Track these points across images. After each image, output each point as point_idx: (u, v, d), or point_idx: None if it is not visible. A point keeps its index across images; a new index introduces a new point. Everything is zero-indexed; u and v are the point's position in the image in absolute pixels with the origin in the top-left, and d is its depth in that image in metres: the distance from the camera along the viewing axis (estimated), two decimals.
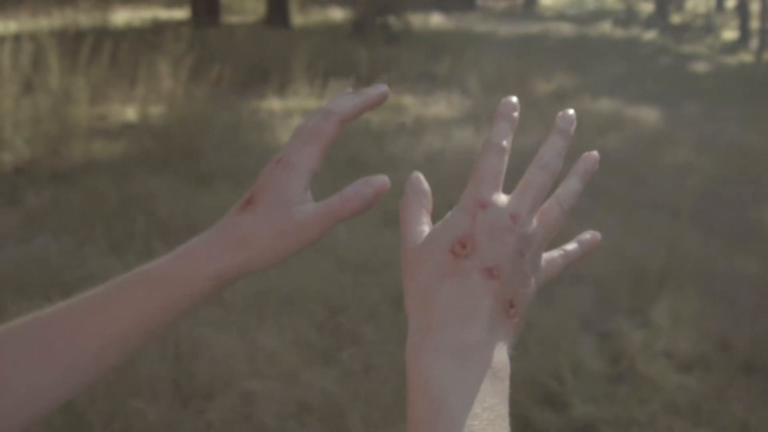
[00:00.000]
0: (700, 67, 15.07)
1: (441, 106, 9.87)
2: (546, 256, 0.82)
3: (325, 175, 5.25)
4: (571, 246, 0.88)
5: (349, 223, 5.52)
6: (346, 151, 7.45)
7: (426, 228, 0.83)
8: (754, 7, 24.76)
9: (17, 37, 10.17)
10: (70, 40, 10.26)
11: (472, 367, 0.69)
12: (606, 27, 23.43)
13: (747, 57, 17.77)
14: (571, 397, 3.82)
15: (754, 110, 10.82)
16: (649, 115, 10.13)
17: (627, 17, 26.26)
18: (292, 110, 9.15)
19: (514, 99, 0.90)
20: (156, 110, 8.45)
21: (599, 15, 28.41)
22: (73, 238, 5.35)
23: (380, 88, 0.91)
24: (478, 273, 0.73)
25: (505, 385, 0.70)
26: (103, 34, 11.68)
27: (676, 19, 28.29)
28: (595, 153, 0.88)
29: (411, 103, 9.88)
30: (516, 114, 0.88)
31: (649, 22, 25.31)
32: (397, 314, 4.45)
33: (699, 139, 8.86)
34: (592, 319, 4.61)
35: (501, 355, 0.72)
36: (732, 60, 16.86)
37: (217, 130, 8.00)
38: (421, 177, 0.90)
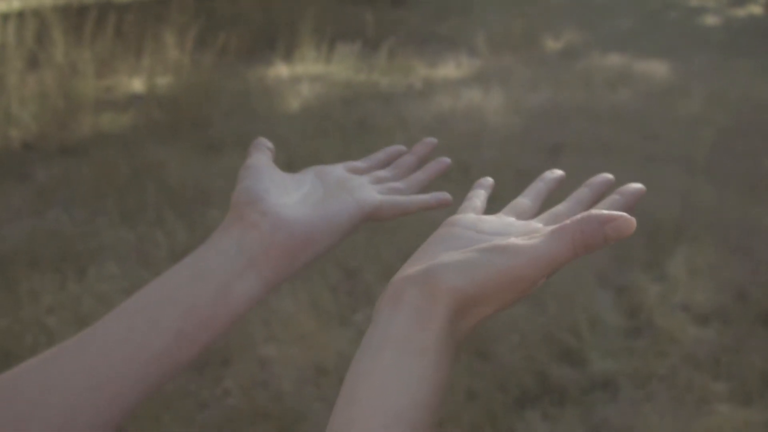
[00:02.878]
0: (710, 20, 14.95)
1: (449, 67, 9.81)
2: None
3: (336, 138, 5.24)
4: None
5: None
6: (355, 115, 7.43)
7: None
8: None
9: (21, 14, 10.16)
10: (75, 15, 10.24)
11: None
12: None
13: (756, 9, 17.63)
14: (589, 352, 3.80)
15: (765, 62, 10.74)
16: (659, 69, 10.05)
17: None
18: (299, 76, 9.10)
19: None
20: (163, 81, 8.42)
21: None
22: (85, 210, 5.34)
23: None
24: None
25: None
26: (107, 7, 11.65)
27: None
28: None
29: (419, 65, 9.82)
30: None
31: None
32: None
33: (710, 92, 8.80)
34: (608, 273, 4.59)
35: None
36: (741, 12, 16.73)
37: (225, 97, 7.98)
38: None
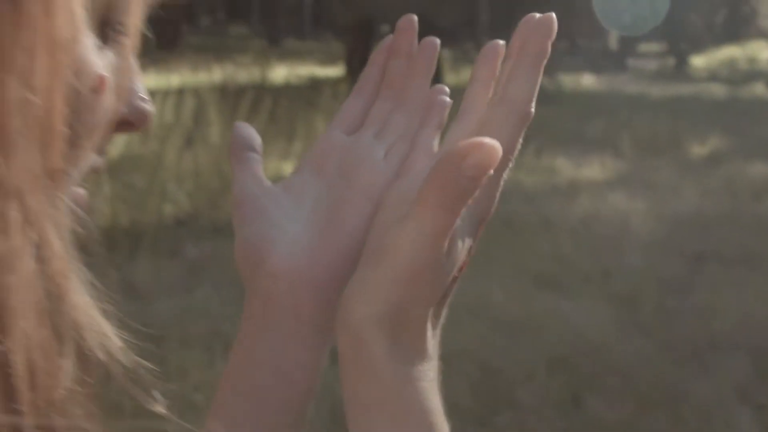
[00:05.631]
0: None
1: (594, 169, 9.83)
2: None
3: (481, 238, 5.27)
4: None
5: (502, 284, 5.54)
6: (500, 213, 7.48)
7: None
8: None
9: (180, 91, 10.50)
10: (231, 96, 10.54)
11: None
12: (759, 88, 22.96)
13: None
14: None
15: None
16: None
17: None
18: None
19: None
20: None
21: (752, 76, 27.73)
22: (234, 290, 5.46)
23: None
24: (464, 255, 0.64)
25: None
26: (262, 90, 11.97)
27: None
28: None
29: (564, 165, 9.87)
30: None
31: None
32: (555, 378, 4.44)
33: None
34: (748, 389, 4.53)
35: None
36: None
37: None
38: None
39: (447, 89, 0.78)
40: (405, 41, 0.79)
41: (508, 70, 0.65)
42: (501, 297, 5.38)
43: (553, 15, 0.63)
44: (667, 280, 6.05)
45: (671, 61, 29.97)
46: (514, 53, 0.65)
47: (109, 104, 0.53)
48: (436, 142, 0.74)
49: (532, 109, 0.64)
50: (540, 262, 6.14)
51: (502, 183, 0.65)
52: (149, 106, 0.59)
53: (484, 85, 0.72)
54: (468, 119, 0.70)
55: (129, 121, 0.58)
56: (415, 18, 0.78)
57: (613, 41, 30.79)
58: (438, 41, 0.79)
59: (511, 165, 0.64)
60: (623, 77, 23.81)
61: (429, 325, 0.63)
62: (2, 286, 0.42)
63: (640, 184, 8.97)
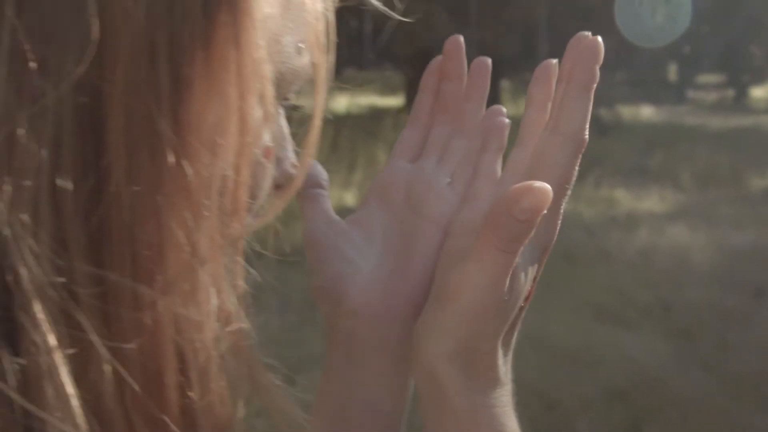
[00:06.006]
0: None
1: (653, 201, 9.81)
2: None
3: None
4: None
5: (561, 316, 5.56)
6: (559, 245, 7.49)
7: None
8: None
9: None
10: (292, 124, 10.63)
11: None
12: None
13: None
14: None
15: None
16: None
17: None
18: None
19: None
20: None
21: None
22: (295, 318, 5.53)
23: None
24: (529, 285, 0.65)
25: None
26: (324, 119, 12.05)
27: None
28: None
29: (623, 197, 9.86)
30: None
31: None
32: (614, 410, 4.45)
33: None
34: None
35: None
36: None
37: None
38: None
39: (504, 109, 0.77)
40: (455, 63, 0.78)
41: (560, 95, 0.65)
42: (560, 329, 5.39)
43: (599, 38, 0.63)
44: (727, 314, 6.03)
45: (731, 93, 29.70)
46: (565, 76, 0.65)
47: (271, 172, 0.58)
48: (498, 166, 0.74)
49: (586, 136, 0.64)
50: (599, 294, 6.15)
51: (562, 211, 0.65)
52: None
53: (540, 109, 0.72)
54: (527, 146, 0.71)
55: (280, 186, 0.63)
56: (462, 38, 0.78)
57: (672, 73, 30.63)
58: (489, 60, 0.78)
59: (569, 192, 0.65)
60: (682, 109, 23.66)
61: (500, 354, 0.64)
62: (193, 346, 0.47)
63: (700, 216, 8.94)
